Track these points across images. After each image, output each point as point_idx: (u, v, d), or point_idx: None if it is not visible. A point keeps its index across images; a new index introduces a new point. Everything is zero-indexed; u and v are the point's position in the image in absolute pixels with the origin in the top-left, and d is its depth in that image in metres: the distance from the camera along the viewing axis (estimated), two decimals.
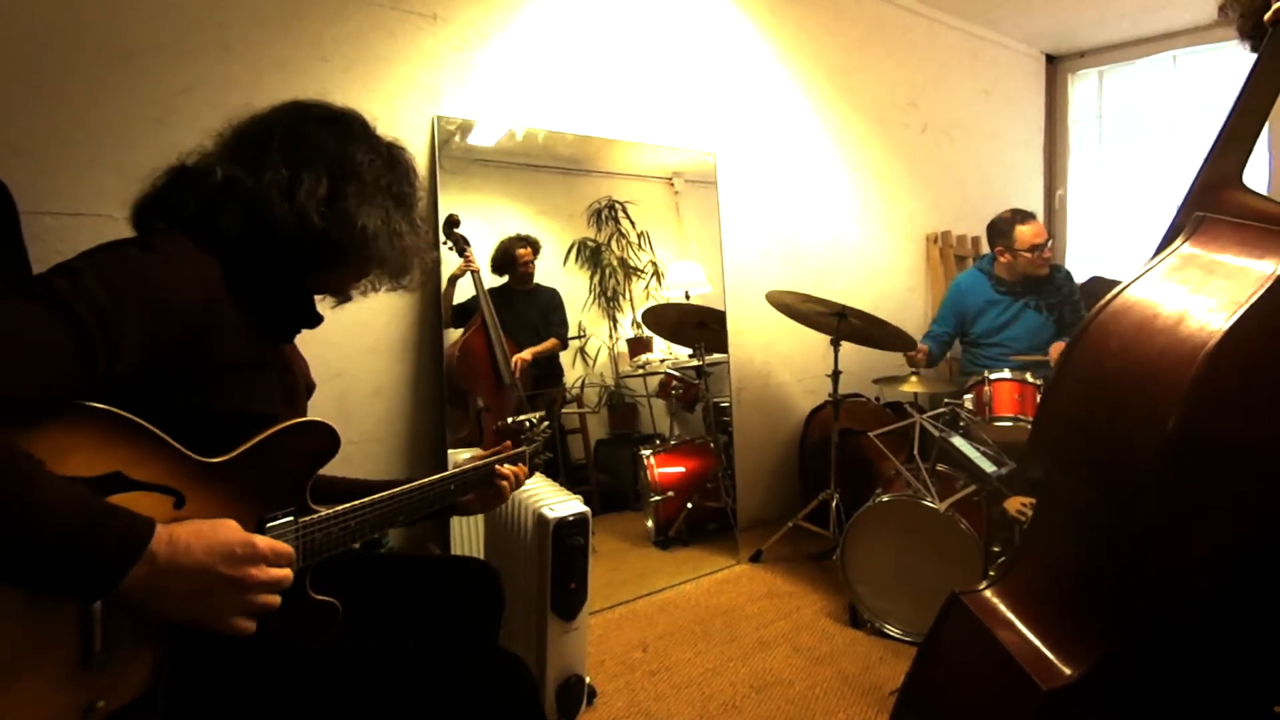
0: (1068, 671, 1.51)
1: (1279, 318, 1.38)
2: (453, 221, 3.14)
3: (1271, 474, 1.42)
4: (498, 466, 1.87)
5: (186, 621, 1.15)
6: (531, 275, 3.48)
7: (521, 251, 3.44)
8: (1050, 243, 4.16)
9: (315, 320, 1.58)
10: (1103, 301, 1.57)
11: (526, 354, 3.42)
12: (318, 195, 1.43)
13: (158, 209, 1.42)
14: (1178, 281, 1.51)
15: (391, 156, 1.61)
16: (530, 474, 2.03)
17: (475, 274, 3.23)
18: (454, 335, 3.21)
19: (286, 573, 1.24)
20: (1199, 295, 1.45)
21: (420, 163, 3.08)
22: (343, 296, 1.68)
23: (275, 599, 1.22)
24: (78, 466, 1.09)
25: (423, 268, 1.70)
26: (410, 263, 1.64)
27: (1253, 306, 1.35)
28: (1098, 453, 1.55)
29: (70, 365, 1.08)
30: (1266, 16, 1.55)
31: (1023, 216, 4.14)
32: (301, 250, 1.44)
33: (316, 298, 1.59)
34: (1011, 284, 4.20)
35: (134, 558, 1.06)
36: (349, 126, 1.55)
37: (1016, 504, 2.81)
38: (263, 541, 1.21)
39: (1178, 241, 1.59)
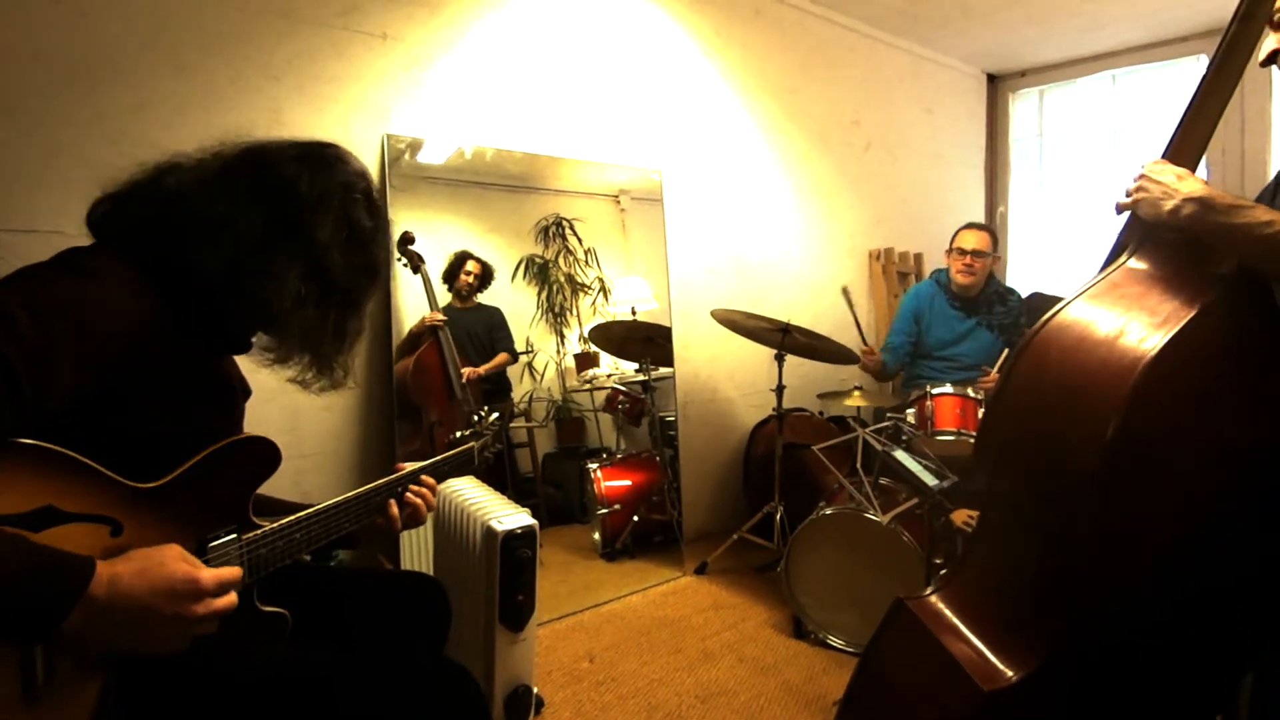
0: (1009, 674, 1.55)
1: (1216, 334, 1.44)
2: (407, 238, 3.16)
3: (1208, 481, 1.48)
4: (405, 492, 1.71)
5: (128, 653, 1.13)
6: (473, 289, 3.50)
7: (470, 264, 3.47)
8: (988, 259, 4.20)
9: (243, 348, 1.52)
10: (1046, 316, 1.61)
11: (481, 369, 3.46)
12: (244, 242, 1.34)
13: (117, 211, 1.38)
14: (1119, 297, 1.56)
15: (371, 238, 1.52)
16: (479, 468, 2.02)
17: (429, 288, 3.25)
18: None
19: (231, 600, 1.21)
20: (1139, 310, 1.50)
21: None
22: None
23: (215, 624, 1.20)
24: (7, 504, 1.06)
25: (341, 372, 1.58)
26: (328, 363, 1.54)
27: (1190, 322, 1.41)
28: (1040, 461, 1.59)
29: None
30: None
31: (974, 225, 4.27)
32: (211, 291, 1.34)
33: None
34: (965, 300, 4.26)
35: (72, 603, 1.04)
36: (336, 184, 1.46)
37: (963, 516, 2.85)
38: (206, 575, 1.17)
39: (1122, 258, 1.64)
